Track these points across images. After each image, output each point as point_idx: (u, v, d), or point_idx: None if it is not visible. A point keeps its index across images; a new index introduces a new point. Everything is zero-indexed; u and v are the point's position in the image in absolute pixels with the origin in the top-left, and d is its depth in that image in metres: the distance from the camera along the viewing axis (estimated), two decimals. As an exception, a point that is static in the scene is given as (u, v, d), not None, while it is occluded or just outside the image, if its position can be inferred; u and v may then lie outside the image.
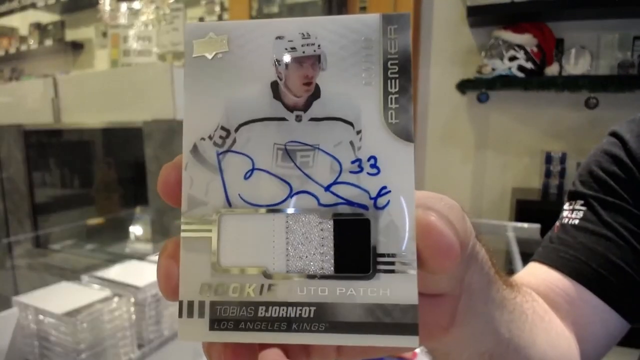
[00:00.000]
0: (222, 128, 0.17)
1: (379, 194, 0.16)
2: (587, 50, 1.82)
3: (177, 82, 1.18)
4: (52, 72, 3.11)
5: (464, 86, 1.97)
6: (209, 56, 0.17)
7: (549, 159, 1.91)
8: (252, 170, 0.16)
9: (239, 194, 0.16)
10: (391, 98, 0.16)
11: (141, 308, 0.66)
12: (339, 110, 0.17)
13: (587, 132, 1.88)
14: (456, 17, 2.03)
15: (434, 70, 2.14)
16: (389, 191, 0.16)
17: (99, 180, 1.98)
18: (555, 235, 0.44)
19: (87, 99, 1.51)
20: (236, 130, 0.17)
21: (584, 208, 0.43)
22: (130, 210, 1.75)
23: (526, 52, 1.86)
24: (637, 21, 1.76)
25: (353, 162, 0.16)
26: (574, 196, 0.46)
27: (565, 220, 0.44)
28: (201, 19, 2.76)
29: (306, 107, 0.17)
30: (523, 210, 1.76)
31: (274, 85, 0.17)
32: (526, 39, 1.85)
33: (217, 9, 2.75)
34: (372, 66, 0.17)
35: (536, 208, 1.76)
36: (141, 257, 0.88)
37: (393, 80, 0.16)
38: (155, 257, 0.89)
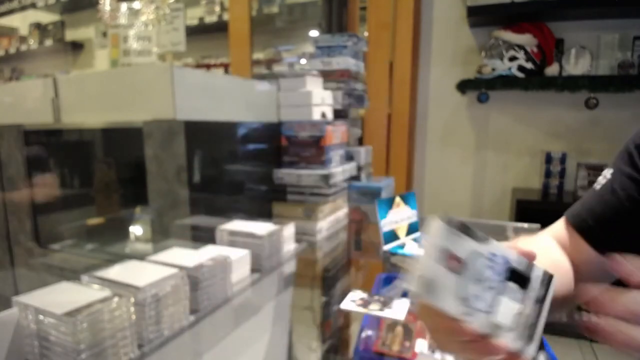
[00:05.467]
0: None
1: None
2: (587, 50, 1.82)
3: (177, 82, 1.18)
4: (52, 72, 3.12)
5: (464, 86, 1.97)
6: None
7: (549, 159, 1.91)
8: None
9: None
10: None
11: (141, 308, 0.66)
12: None
13: (587, 132, 1.88)
14: (456, 17, 2.03)
15: (434, 70, 2.14)
16: None
17: (99, 180, 1.98)
18: (584, 195, 0.58)
19: (87, 99, 1.50)
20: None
21: (610, 177, 0.53)
22: (130, 210, 1.75)
23: (526, 52, 1.86)
24: (637, 21, 1.76)
25: None
26: (612, 165, 0.55)
27: (595, 185, 0.56)
28: (201, 19, 2.76)
29: None
30: (523, 210, 1.76)
31: None
32: (526, 39, 1.85)
33: (217, 9, 2.75)
34: None
35: (536, 208, 1.76)
36: (141, 257, 0.87)
37: None
38: (156, 257, 0.88)
